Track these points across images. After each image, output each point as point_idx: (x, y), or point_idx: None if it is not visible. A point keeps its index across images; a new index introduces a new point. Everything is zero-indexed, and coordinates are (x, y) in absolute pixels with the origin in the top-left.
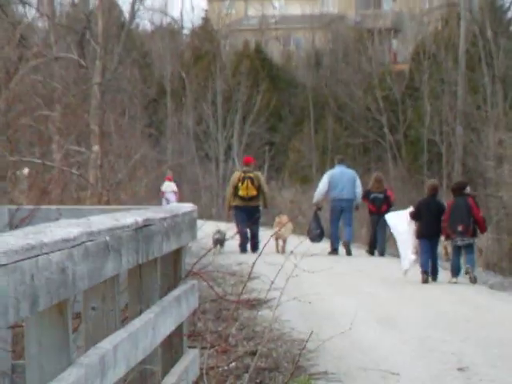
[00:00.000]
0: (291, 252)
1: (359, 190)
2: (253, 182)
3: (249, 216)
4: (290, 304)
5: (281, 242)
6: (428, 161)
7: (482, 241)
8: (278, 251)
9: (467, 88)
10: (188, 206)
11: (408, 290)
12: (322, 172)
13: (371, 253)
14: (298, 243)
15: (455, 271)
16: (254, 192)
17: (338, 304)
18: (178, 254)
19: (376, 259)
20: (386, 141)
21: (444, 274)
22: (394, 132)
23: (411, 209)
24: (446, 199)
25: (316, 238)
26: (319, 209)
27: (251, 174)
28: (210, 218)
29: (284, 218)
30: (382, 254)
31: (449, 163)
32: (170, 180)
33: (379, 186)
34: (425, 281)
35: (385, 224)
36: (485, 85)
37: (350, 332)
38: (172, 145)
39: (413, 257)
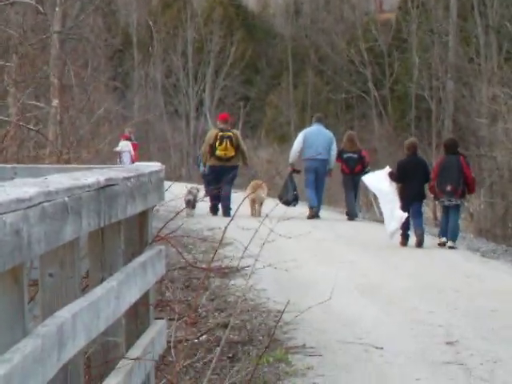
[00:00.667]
0: (266, 215)
1: (334, 153)
2: (232, 142)
3: (222, 176)
4: (265, 272)
5: (257, 206)
6: (416, 118)
7: (474, 205)
8: (253, 214)
9: (459, 39)
10: (155, 165)
11: (393, 257)
12: (301, 130)
13: (350, 218)
14: (274, 206)
15: (443, 231)
16: (232, 153)
17: (317, 272)
18: (143, 217)
19: (357, 224)
20: (371, 96)
21: (430, 239)
22: (379, 87)
23: (388, 168)
24: (435, 159)
25: (289, 202)
26: (295, 171)
27: (230, 133)
28: (179, 178)
29: (259, 182)
30: (351, 216)
31: (438, 120)
32: (126, 138)
33: (352, 145)
34: (404, 244)
35: (356, 185)
36: (478, 35)
37: (330, 302)
38: (139, 99)
39: (403, 214)
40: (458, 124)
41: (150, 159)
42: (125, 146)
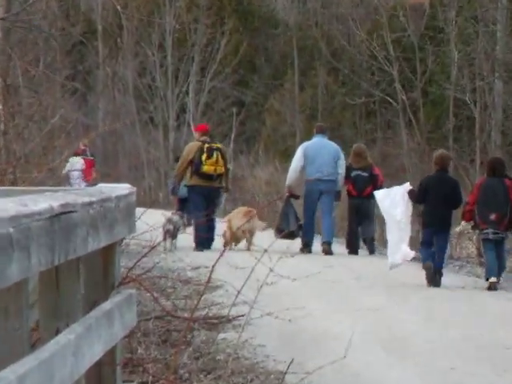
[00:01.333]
0: (265, 251)
1: (342, 171)
2: (223, 155)
3: (208, 201)
4: (263, 323)
5: (248, 237)
6: (455, 128)
7: None
8: (226, 246)
9: (510, 28)
10: (124, 188)
11: (425, 302)
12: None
13: (352, 251)
14: (274, 240)
15: (491, 269)
16: (222, 169)
17: (329, 323)
18: (109, 253)
19: (377, 261)
20: (398, 101)
21: (472, 281)
22: (408, 88)
23: (408, 185)
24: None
25: (293, 234)
26: (293, 196)
27: (218, 145)
28: (154, 204)
29: (246, 210)
30: (371, 250)
31: (484, 131)
32: (79, 154)
33: (360, 160)
34: (430, 280)
35: (370, 211)
36: None
37: (346, 361)
38: (104, 104)
39: (410, 253)
40: (509, 136)
41: (118, 180)
42: (75, 163)
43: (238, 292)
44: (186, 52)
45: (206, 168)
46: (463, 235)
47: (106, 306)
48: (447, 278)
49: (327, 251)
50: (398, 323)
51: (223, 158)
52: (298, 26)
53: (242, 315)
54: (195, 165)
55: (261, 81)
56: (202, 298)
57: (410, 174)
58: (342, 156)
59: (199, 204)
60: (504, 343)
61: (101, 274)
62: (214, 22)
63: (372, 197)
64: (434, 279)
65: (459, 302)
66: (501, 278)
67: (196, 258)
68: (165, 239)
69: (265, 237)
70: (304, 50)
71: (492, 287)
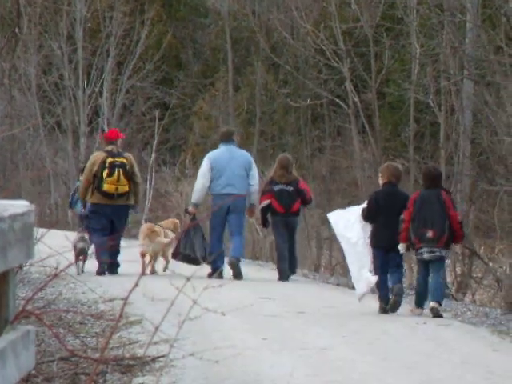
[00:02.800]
0: (188, 279)
1: (255, 182)
2: (126, 172)
3: (113, 219)
4: (187, 364)
5: (146, 260)
6: (416, 136)
7: (503, 267)
8: (144, 273)
9: (481, 19)
10: (20, 205)
11: (379, 339)
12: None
13: (282, 278)
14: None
15: (420, 297)
16: (126, 187)
17: (264, 365)
18: (2, 283)
19: (324, 292)
20: (350, 104)
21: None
22: (361, 89)
23: (365, 204)
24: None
25: (185, 259)
26: (188, 213)
27: (123, 159)
28: (61, 224)
29: (150, 226)
30: (292, 270)
31: (450, 139)
32: None
33: (285, 173)
34: (384, 311)
35: (293, 231)
36: (508, 13)
37: None
38: (1, 106)
39: (372, 278)
40: (479, 145)
41: (18, 195)
42: None
43: (156, 328)
44: (99, 45)
45: (106, 187)
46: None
47: None
48: (406, 312)
49: (235, 270)
50: (347, 364)
51: (126, 175)
52: (232, 14)
53: (163, 356)
54: (97, 180)
55: (188, 79)
56: (117, 336)
57: (362, 189)
58: (254, 165)
59: (101, 224)
60: None
61: None
62: (133, 10)
63: (298, 214)
64: (387, 312)
65: (421, 340)
66: (441, 303)
67: (110, 289)
68: (77, 260)
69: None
70: (239, 43)
71: (418, 314)
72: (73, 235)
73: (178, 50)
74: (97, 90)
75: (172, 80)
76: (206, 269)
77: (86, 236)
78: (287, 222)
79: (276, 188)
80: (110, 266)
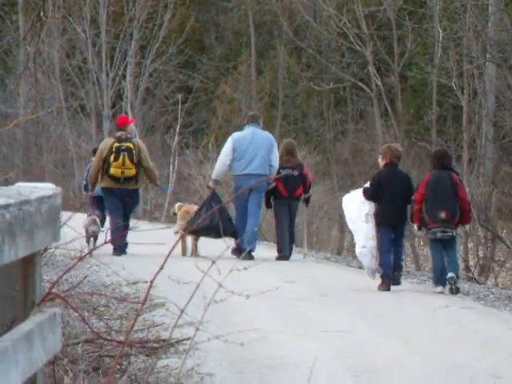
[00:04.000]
0: (213, 262)
1: (276, 164)
2: (131, 157)
3: (124, 202)
4: (211, 347)
5: (189, 241)
6: (439, 119)
7: None
8: (184, 254)
9: (504, 1)
10: (47, 188)
11: (401, 325)
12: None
13: (283, 257)
14: (225, 247)
15: (439, 276)
16: (132, 171)
17: (289, 348)
18: (29, 265)
19: (347, 275)
20: (372, 87)
21: (456, 298)
22: (384, 73)
23: (367, 184)
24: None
25: (203, 231)
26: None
27: (129, 144)
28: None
29: (190, 207)
30: (284, 255)
31: (473, 123)
32: None
33: (291, 158)
34: (386, 288)
35: (296, 214)
36: None
37: None
38: (25, 89)
39: (361, 249)
40: (502, 128)
41: (41, 178)
42: None
43: (182, 311)
44: (122, 28)
45: (113, 170)
46: None
47: (25, 326)
48: (429, 296)
49: (246, 253)
50: (370, 348)
51: (132, 159)
52: None
53: (187, 338)
54: (106, 165)
55: (211, 63)
56: (141, 319)
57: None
58: (276, 147)
59: (115, 205)
60: (494, 372)
61: (19, 289)
62: None
63: (299, 199)
64: (389, 287)
65: (443, 323)
66: (458, 277)
67: (134, 271)
68: (88, 242)
69: (212, 245)
70: (262, 26)
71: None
72: (84, 218)
73: (201, 33)
74: (120, 73)
75: (195, 63)
76: (230, 251)
77: (98, 219)
78: (290, 205)
79: (283, 172)
80: (118, 247)
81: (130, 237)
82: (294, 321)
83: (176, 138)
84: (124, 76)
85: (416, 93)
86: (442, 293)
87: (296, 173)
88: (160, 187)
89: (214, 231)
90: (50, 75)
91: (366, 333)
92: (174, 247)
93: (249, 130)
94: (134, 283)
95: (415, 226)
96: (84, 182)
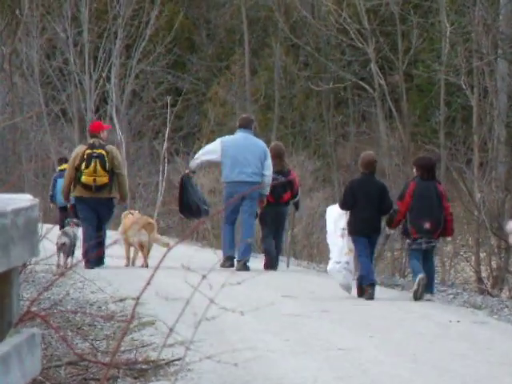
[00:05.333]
0: (204, 277)
1: (269, 172)
2: (103, 164)
3: (97, 212)
4: (204, 368)
5: (132, 251)
6: (447, 120)
7: None
8: (127, 264)
9: None
10: (23, 199)
11: (408, 341)
12: (263, 139)
13: (271, 266)
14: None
15: (417, 272)
16: (104, 179)
17: (287, 367)
18: (5, 283)
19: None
20: (375, 87)
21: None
22: (388, 71)
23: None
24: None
25: (188, 211)
26: (192, 172)
27: (102, 151)
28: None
29: (136, 215)
30: (271, 265)
31: (483, 124)
32: None
33: (278, 162)
34: (370, 296)
35: (282, 221)
36: None
37: None
38: (2, 93)
39: (334, 265)
40: None
41: (20, 189)
42: None
43: (171, 330)
44: (106, 27)
45: (84, 178)
46: (458, 256)
47: (1, 348)
48: (439, 310)
49: (241, 264)
50: (376, 367)
51: (104, 166)
52: None
53: (178, 359)
54: (78, 173)
55: (202, 62)
56: (128, 338)
57: (390, 178)
58: (269, 155)
59: (87, 216)
60: None
61: None
62: None
63: (288, 204)
64: (373, 297)
65: (453, 340)
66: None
67: (120, 288)
68: (58, 255)
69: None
70: (256, 23)
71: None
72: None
73: (191, 31)
74: (104, 75)
75: (184, 64)
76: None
77: (70, 230)
78: (277, 211)
79: None
80: (96, 258)
81: (109, 250)
82: (293, 338)
83: (165, 143)
84: (108, 78)
85: (422, 92)
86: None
87: (281, 177)
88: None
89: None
90: (28, 78)
91: (370, 350)
92: (161, 261)
93: (240, 136)
94: (121, 300)
95: (387, 229)
96: (50, 193)
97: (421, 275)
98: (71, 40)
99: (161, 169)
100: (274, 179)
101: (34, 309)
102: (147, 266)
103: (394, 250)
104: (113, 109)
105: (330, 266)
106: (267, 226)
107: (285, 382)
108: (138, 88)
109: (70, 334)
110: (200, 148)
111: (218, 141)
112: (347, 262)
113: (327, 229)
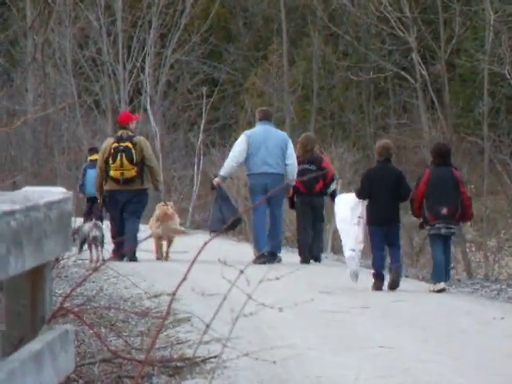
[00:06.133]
0: (241, 272)
1: (292, 161)
2: (130, 157)
3: (125, 204)
4: (241, 365)
5: (164, 245)
6: (491, 111)
7: None
8: (158, 258)
9: None
10: (56, 192)
11: (452, 339)
12: (301, 131)
13: (304, 260)
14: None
15: (441, 272)
16: (132, 172)
17: (327, 366)
18: (37, 278)
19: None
20: (417, 77)
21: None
22: (430, 61)
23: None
24: None
25: (217, 223)
26: (213, 188)
27: (128, 143)
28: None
29: (169, 208)
30: (316, 258)
31: None
32: None
33: (307, 152)
34: (378, 287)
35: (318, 211)
36: None
37: None
38: (34, 84)
39: (350, 252)
40: None
41: (53, 181)
42: None
43: (207, 326)
44: (140, 15)
45: (112, 173)
46: (502, 250)
47: (34, 346)
48: (482, 307)
49: (269, 256)
50: (417, 365)
51: (131, 159)
52: None
53: (214, 356)
54: (107, 167)
55: (238, 52)
56: (163, 335)
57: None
58: (291, 145)
59: (113, 214)
60: None
61: (27, 304)
62: None
63: (322, 194)
64: (381, 287)
65: (497, 337)
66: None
67: (155, 283)
68: (91, 250)
69: (240, 252)
70: (294, 11)
71: (439, 291)
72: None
73: (227, 19)
74: (138, 65)
75: (221, 53)
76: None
77: (100, 223)
78: (310, 202)
79: (299, 168)
80: (127, 253)
81: (144, 244)
82: (333, 336)
83: (201, 135)
84: (143, 68)
85: (465, 82)
86: (444, 289)
87: (313, 167)
88: (158, 192)
89: (225, 225)
90: (60, 68)
91: (412, 348)
92: (197, 256)
93: (261, 128)
94: (156, 296)
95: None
96: (80, 183)
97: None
98: (104, 29)
99: (196, 161)
100: (307, 170)
101: (66, 305)
102: (165, 259)
103: None
104: (147, 100)
105: (347, 253)
106: (301, 217)
107: (324, 380)
108: (173, 78)
109: (103, 330)
110: (236, 140)
111: (243, 136)
112: (360, 251)
113: (339, 217)
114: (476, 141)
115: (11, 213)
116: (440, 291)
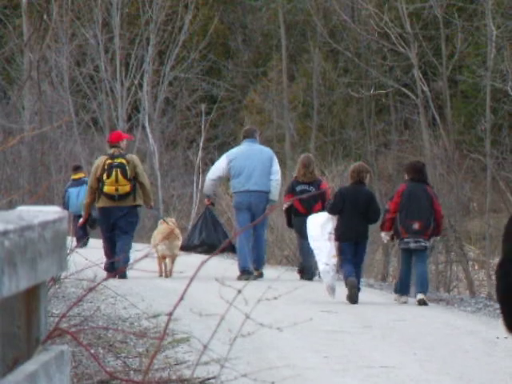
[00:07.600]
0: (239, 291)
1: (278, 177)
2: (124, 173)
3: (117, 221)
4: None
5: (168, 263)
6: (494, 128)
7: None
8: (161, 275)
9: None
10: (51, 212)
11: (455, 359)
12: (302, 148)
13: (305, 277)
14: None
15: (404, 286)
16: (126, 187)
17: None
18: (32, 298)
19: (393, 305)
20: (418, 93)
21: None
22: (431, 77)
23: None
24: None
25: (199, 247)
26: (212, 204)
27: (122, 160)
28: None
29: (174, 227)
30: (306, 274)
31: None
32: None
33: (306, 173)
34: (352, 298)
35: None
36: None
37: None
38: (31, 102)
39: (324, 266)
40: None
41: (50, 200)
42: None
43: (205, 347)
44: (138, 32)
45: (107, 188)
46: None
47: (29, 367)
48: (485, 326)
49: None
50: None
51: (125, 175)
52: None
53: (212, 377)
54: (100, 184)
55: (237, 69)
56: (162, 356)
57: (434, 189)
58: (276, 161)
59: (106, 225)
60: None
61: (22, 325)
62: None
63: None
64: (356, 297)
65: (502, 357)
66: (426, 294)
67: (153, 303)
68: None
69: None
70: (294, 27)
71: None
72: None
73: (226, 36)
74: (136, 82)
75: (220, 70)
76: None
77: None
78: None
79: (298, 188)
80: (119, 269)
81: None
82: (334, 355)
83: (200, 153)
84: (141, 85)
85: (467, 99)
86: (405, 303)
87: (312, 188)
88: (154, 209)
89: (209, 247)
90: (57, 85)
91: (414, 368)
92: (194, 276)
93: (244, 146)
94: (154, 316)
95: (383, 234)
96: (62, 201)
97: (418, 297)
98: (102, 46)
99: (195, 179)
100: (305, 191)
101: (63, 325)
102: (167, 277)
103: (438, 263)
104: (145, 117)
105: (321, 266)
106: (301, 237)
107: None
108: (172, 96)
109: (101, 351)
110: None
111: (224, 156)
112: (334, 265)
113: (311, 234)
114: (478, 158)
115: (5, 233)
116: (420, 303)
